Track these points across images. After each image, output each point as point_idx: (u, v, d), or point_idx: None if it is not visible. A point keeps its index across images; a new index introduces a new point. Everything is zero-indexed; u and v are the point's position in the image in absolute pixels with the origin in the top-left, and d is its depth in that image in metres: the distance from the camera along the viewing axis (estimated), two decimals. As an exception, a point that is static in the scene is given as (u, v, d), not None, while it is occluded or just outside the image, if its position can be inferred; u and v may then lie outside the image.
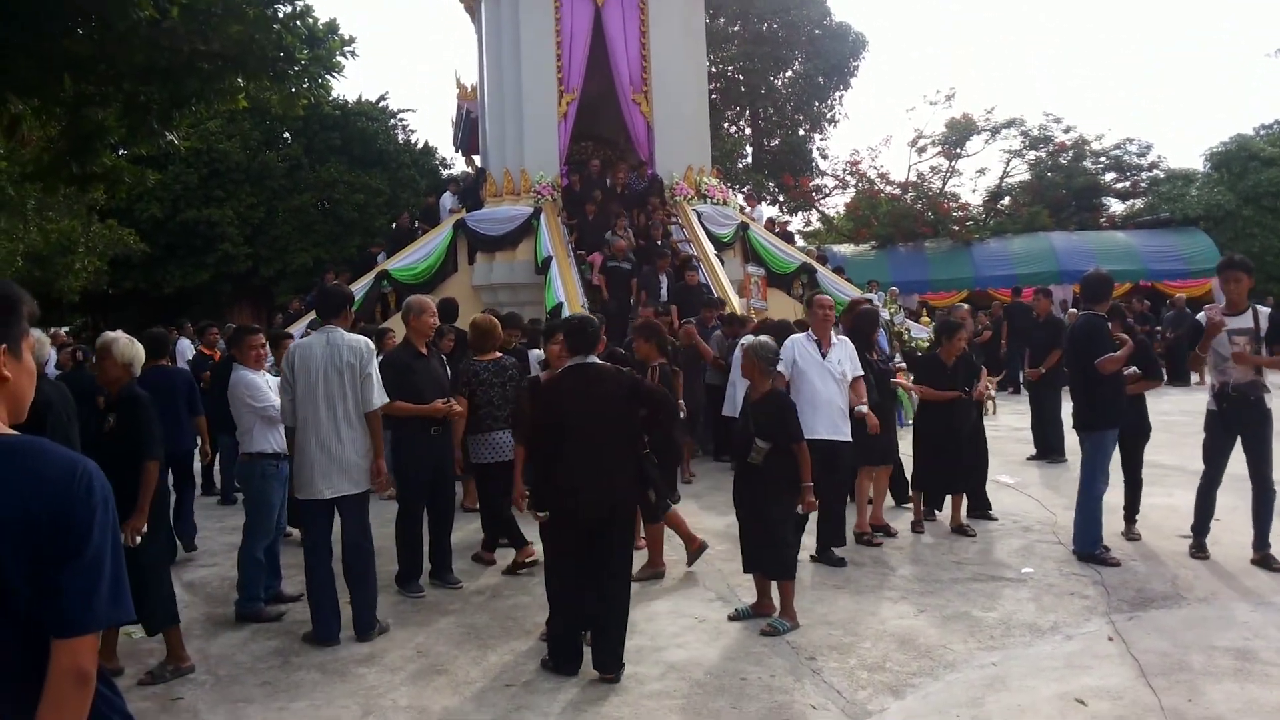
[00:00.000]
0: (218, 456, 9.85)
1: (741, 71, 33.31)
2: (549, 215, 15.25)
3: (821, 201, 34.33)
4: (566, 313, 11.91)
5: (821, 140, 35.37)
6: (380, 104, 31.12)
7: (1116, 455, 6.88)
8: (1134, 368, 6.98)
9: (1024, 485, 9.22)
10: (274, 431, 6.01)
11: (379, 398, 5.52)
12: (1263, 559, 6.27)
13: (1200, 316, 6.63)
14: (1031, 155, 31.52)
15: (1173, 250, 25.38)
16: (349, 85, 48.34)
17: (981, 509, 7.88)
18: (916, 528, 7.60)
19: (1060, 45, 77.21)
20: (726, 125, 34.06)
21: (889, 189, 29.91)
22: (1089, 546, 6.54)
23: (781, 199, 33.39)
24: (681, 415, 8.95)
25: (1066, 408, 7.67)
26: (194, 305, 26.25)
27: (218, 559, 7.56)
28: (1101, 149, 30.99)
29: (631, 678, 4.75)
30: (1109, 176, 31.49)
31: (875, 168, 31.39)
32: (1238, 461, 6.45)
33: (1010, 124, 31.08)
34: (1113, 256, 24.07)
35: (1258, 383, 6.31)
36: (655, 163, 16.55)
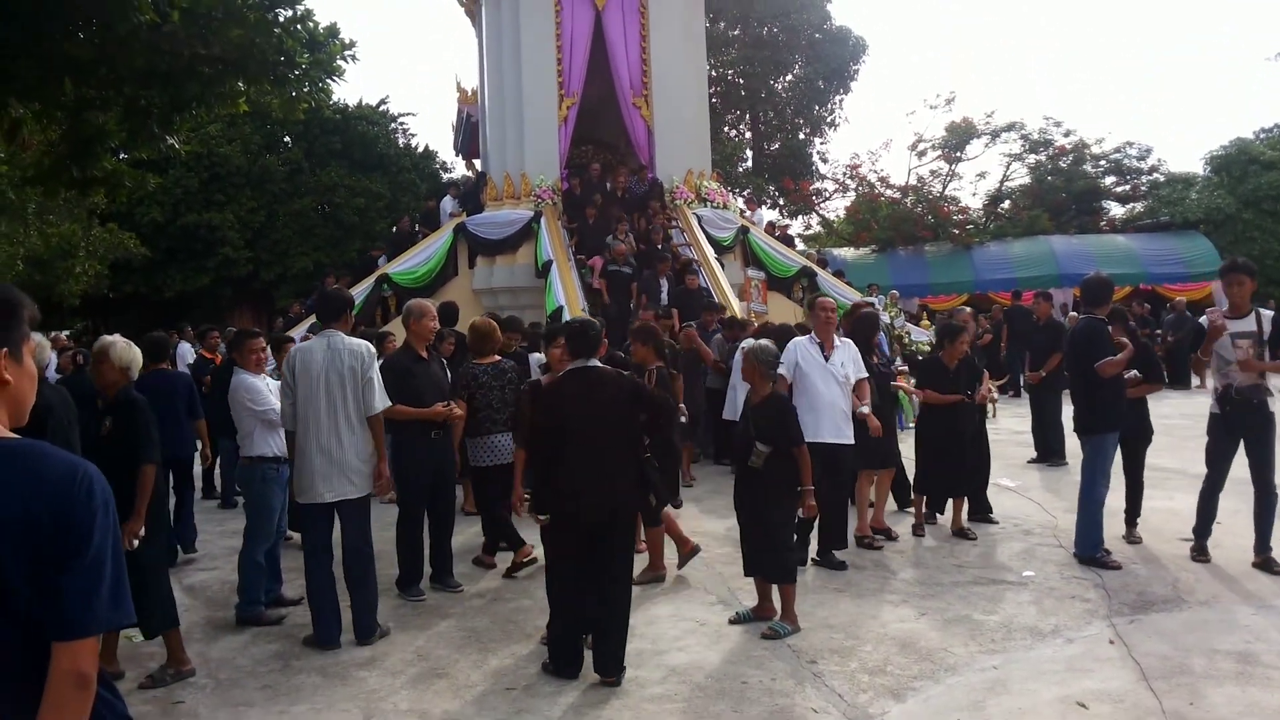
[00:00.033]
0: (218, 460, 9.86)
1: (742, 75, 33.36)
2: (549, 219, 15.26)
3: (822, 205, 34.37)
4: (567, 316, 11.91)
5: (822, 144, 35.48)
6: (381, 108, 31.17)
7: (1118, 458, 6.87)
8: (1134, 371, 6.98)
9: (1025, 488, 9.21)
10: (274, 435, 6.01)
11: (381, 402, 5.52)
12: (1264, 562, 6.26)
13: (1202, 320, 6.62)
14: (1031, 159, 31.55)
15: (1173, 254, 25.39)
16: (349, 89, 48.49)
17: (982, 512, 7.87)
18: (918, 531, 7.59)
19: (1060, 49, 77.33)
20: (727, 129, 34.10)
21: (889, 193, 29.92)
22: (1090, 550, 6.53)
23: (782, 203, 33.42)
24: (683, 420, 8.95)
25: (1067, 411, 7.67)
26: (194, 309, 26.27)
27: (218, 563, 7.55)
28: (1101, 152, 31.03)
29: (632, 681, 4.75)
30: (1109, 180, 31.52)
31: (875, 171, 31.41)
32: (1239, 464, 6.45)
33: (1010, 128, 31.11)
34: (1113, 260, 24.07)
35: (1260, 386, 6.30)
36: (655, 166, 16.56)
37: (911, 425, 11.40)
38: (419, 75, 79.66)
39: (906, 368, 10.68)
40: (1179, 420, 12.32)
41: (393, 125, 31.51)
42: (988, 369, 8.60)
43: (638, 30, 16.58)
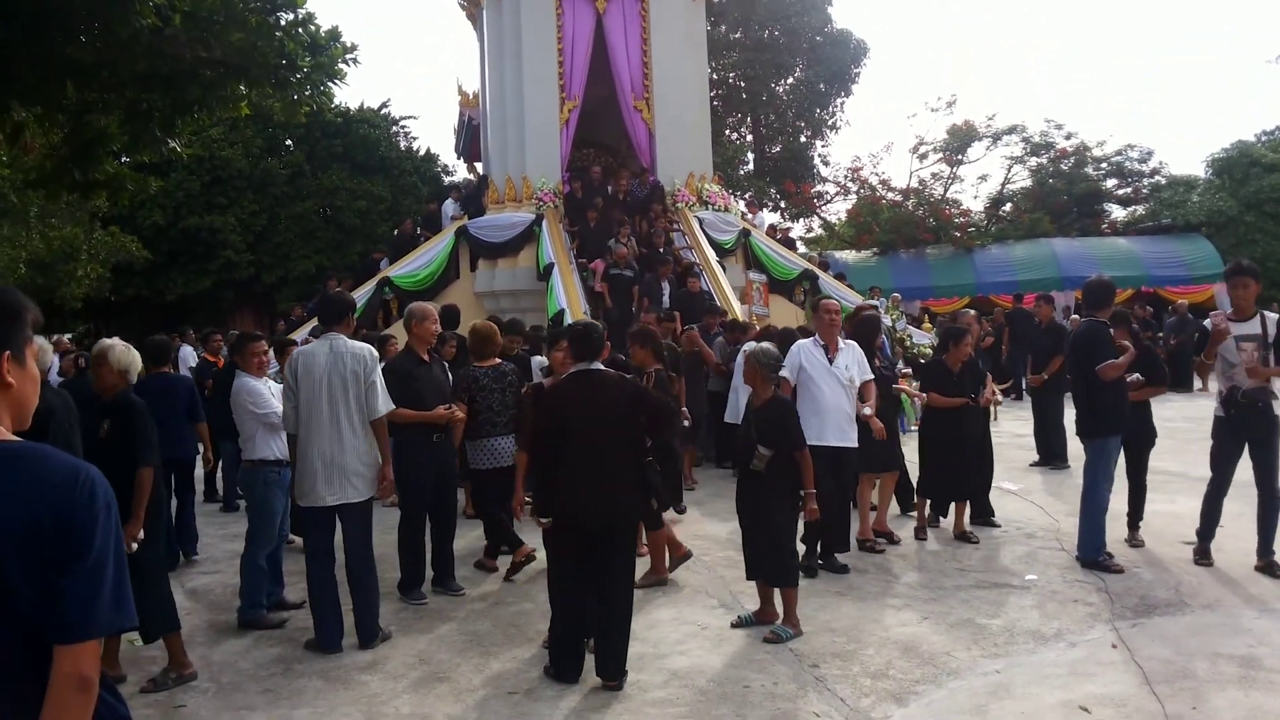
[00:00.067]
0: (220, 463, 9.87)
1: (743, 78, 33.39)
2: (551, 222, 15.27)
3: (823, 208, 34.39)
4: (568, 319, 11.91)
5: (823, 147, 35.54)
6: (382, 111, 31.20)
7: (1121, 461, 6.86)
8: (1136, 374, 6.97)
9: (1027, 492, 9.20)
10: (276, 438, 6.01)
11: (384, 405, 5.52)
12: (1267, 566, 6.25)
13: (1206, 323, 6.60)
14: (1033, 161, 31.56)
15: (1175, 256, 25.38)
16: (351, 92, 48.51)
17: (985, 516, 7.86)
18: (920, 534, 7.58)
19: (1061, 52, 77.36)
20: (728, 132, 34.14)
21: (890, 195, 29.94)
22: (1092, 553, 6.52)
23: (783, 205, 33.44)
24: (685, 423, 8.94)
25: (1069, 414, 7.66)
26: (196, 312, 26.30)
27: (220, 566, 7.55)
28: (1103, 155, 31.03)
29: (634, 685, 4.74)
30: (1111, 183, 31.52)
31: (877, 174, 31.43)
32: (1243, 467, 6.43)
33: (1012, 130, 31.13)
34: (1115, 263, 24.06)
35: (1266, 389, 6.26)
36: (657, 169, 16.57)
37: (914, 428, 11.40)
38: (420, 79, 79.83)
39: (910, 370, 10.68)
40: (1181, 423, 12.31)
41: (394, 128, 31.55)
42: (990, 372, 8.58)
43: (639, 33, 16.60)
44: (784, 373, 6.60)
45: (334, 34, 7.38)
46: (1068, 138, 31.01)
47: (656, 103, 16.61)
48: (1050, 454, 10.55)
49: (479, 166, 20.30)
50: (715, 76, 30.84)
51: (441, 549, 6.54)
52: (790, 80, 33.87)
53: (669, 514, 6.69)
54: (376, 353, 5.69)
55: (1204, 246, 25.47)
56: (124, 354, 5.25)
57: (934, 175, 32.12)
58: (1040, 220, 28.34)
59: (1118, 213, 31.36)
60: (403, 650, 5.39)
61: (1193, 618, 5.48)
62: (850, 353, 6.84)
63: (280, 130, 27.84)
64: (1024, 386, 13.73)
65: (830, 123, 34.61)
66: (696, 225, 15.78)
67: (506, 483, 6.81)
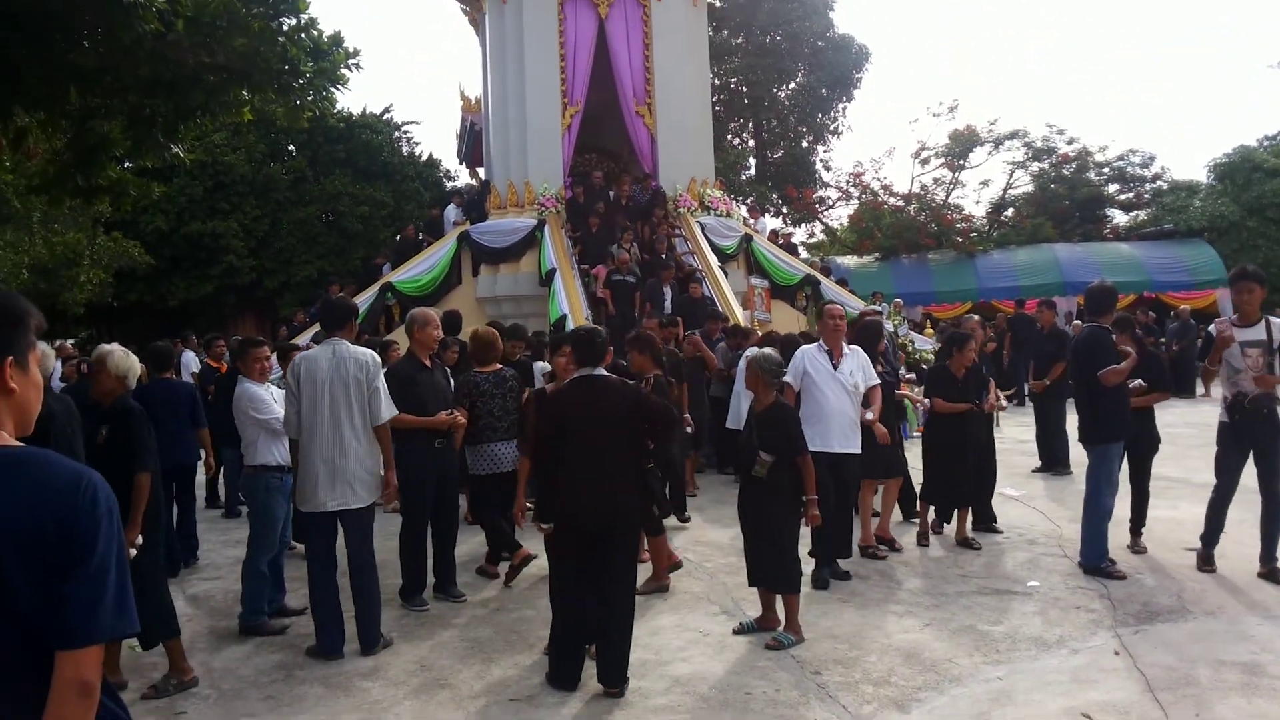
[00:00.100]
0: (222, 469, 9.88)
1: (745, 83, 33.41)
2: (553, 227, 15.28)
3: (825, 213, 34.41)
4: (570, 325, 11.91)
5: (825, 152, 35.52)
6: (385, 116, 31.22)
7: (1124, 467, 6.84)
8: (1138, 380, 6.95)
9: (1029, 498, 9.19)
10: (278, 444, 6.02)
11: (388, 411, 5.52)
12: (1270, 572, 6.23)
13: (1211, 328, 6.58)
14: (1035, 167, 31.59)
15: (1177, 262, 25.35)
16: (353, 98, 48.51)
17: (987, 522, 7.84)
18: (922, 540, 7.57)
19: (1063, 57, 77.39)
20: (730, 137, 34.16)
21: (892, 201, 29.95)
22: (1095, 560, 6.50)
23: (785, 211, 33.46)
24: (688, 430, 8.93)
25: (1072, 420, 7.65)
26: (198, 317, 26.32)
27: (221, 572, 7.55)
28: (1105, 160, 31.03)
29: (636, 692, 4.73)
30: (1112, 188, 31.53)
31: (878, 179, 31.46)
32: (1246, 473, 6.42)
33: (1013, 136, 31.15)
34: (1117, 268, 24.06)
35: (1271, 395, 6.23)
36: (659, 174, 16.59)
37: (916, 434, 11.40)
38: (423, 84, 79.92)
39: (913, 375, 10.67)
40: (1183, 429, 12.31)
41: (396, 134, 31.57)
42: (993, 377, 8.57)
43: (640, 38, 16.63)
44: (787, 378, 6.59)
45: (336, 39, 7.38)
46: (1070, 143, 31.06)
47: (658, 108, 16.63)
48: (1052, 460, 10.54)
49: (481, 172, 20.32)
50: (717, 81, 30.87)
51: (443, 555, 6.54)
52: (792, 85, 33.90)
53: (669, 520, 6.69)
54: (379, 358, 5.69)
55: (1206, 252, 25.45)
56: (122, 360, 5.25)
57: (936, 180, 32.18)
58: (1042, 225, 28.33)
59: (1120, 218, 31.39)
60: (404, 657, 5.39)
61: (1195, 624, 5.47)
62: (855, 358, 6.81)
63: (283, 135, 27.87)
64: (1026, 392, 13.71)
65: (832, 128, 34.64)
66: (698, 230, 15.79)
67: (505, 488, 6.83)
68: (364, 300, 14.67)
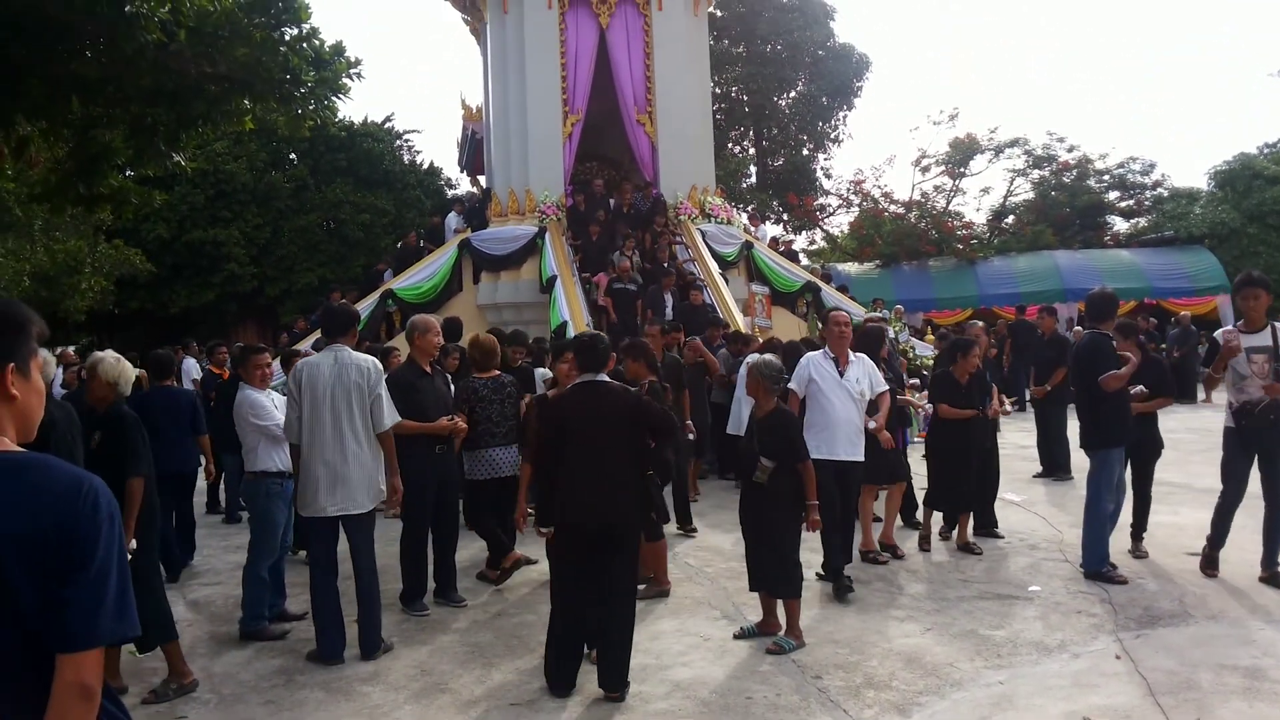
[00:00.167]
0: (223, 475, 9.89)
1: (745, 92, 33.49)
2: (553, 235, 15.32)
3: (825, 221, 34.42)
4: (571, 332, 11.93)
5: (825, 160, 35.55)
6: (386, 125, 31.33)
7: (1127, 472, 6.84)
8: (1140, 386, 6.95)
9: (1030, 503, 9.19)
10: (279, 450, 6.03)
11: (390, 418, 5.54)
12: (1271, 576, 6.23)
13: (1218, 334, 6.57)
14: (1035, 174, 31.58)
15: (1177, 268, 25.36)
16: (355, 107, 48.67)
17: (988, 527, 7.84)
18: (924, 545, 7.56)
19: (1063, 65, 77.53)
20: (730, 145, 34.22)
21: (893, 208, 29.98)
22: (1096, 564, 6.50)
23: (786, 218, 33.49)
24: (690, 437, 8.94)
25: (1073, 425, 7.65)
26: (199, 325, 26.35)
27: (222, 578, 7.55)
28: (1105, 168, 31.04)
29: (636, 696, 4.73)
30: (1113, 195, 31.53)
31: (879, 187, 31.48)
32: (1250, 478, 6.41)
33: (1014, 143, 31.16)
34: (1117, 275, 24.05)
35: (1277, 402, 6.20)
36: (659, 182, 16.64)
37: (917, 439, 11.39)
38: (424, 93, 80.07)
39: (916, 381, 10.67)
40: (1185, 434, 12.30)
41: (398, 142, 31.67)
42: (995, 383, 8.56)
43: (641, 47, 16.69)
44: (792, 385, 6.59)
45: (338, 49, 7.42)
46: (1070, 150, 31.07)
47: (659, 116, 16.68)
48: (1053, 465, 10.54)
49: (482, 180, 20.38)
50: (718, 90, 30.94)
51: (443, 560, 6.54)
52: (793, 94, 33.95)
53: (671, 526, 6.69)
54: (381, 365, 5.70)
55: (1207, 258, 25.46)
56: (113, 366, 5.28)
57: (936, 188, 32.17)
58: (1043, 232, 28.34)
59: (1120, 225, 31.39)
60: (404, 661, 5.39)
61: (1197, 629, 5.46)
62: (861, 365, 6.75)
63: (284, 144, 27.97)
64: (1027, 398, 13.72)
65: (833, 136, 34.66)
66: (699, 238, 15.83)
67: (503, 493, 6.84)
68: (365, 307, 14.72)
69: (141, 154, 7.87)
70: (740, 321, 13.63)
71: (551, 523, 4.91)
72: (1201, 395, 17.47)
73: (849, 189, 32.67)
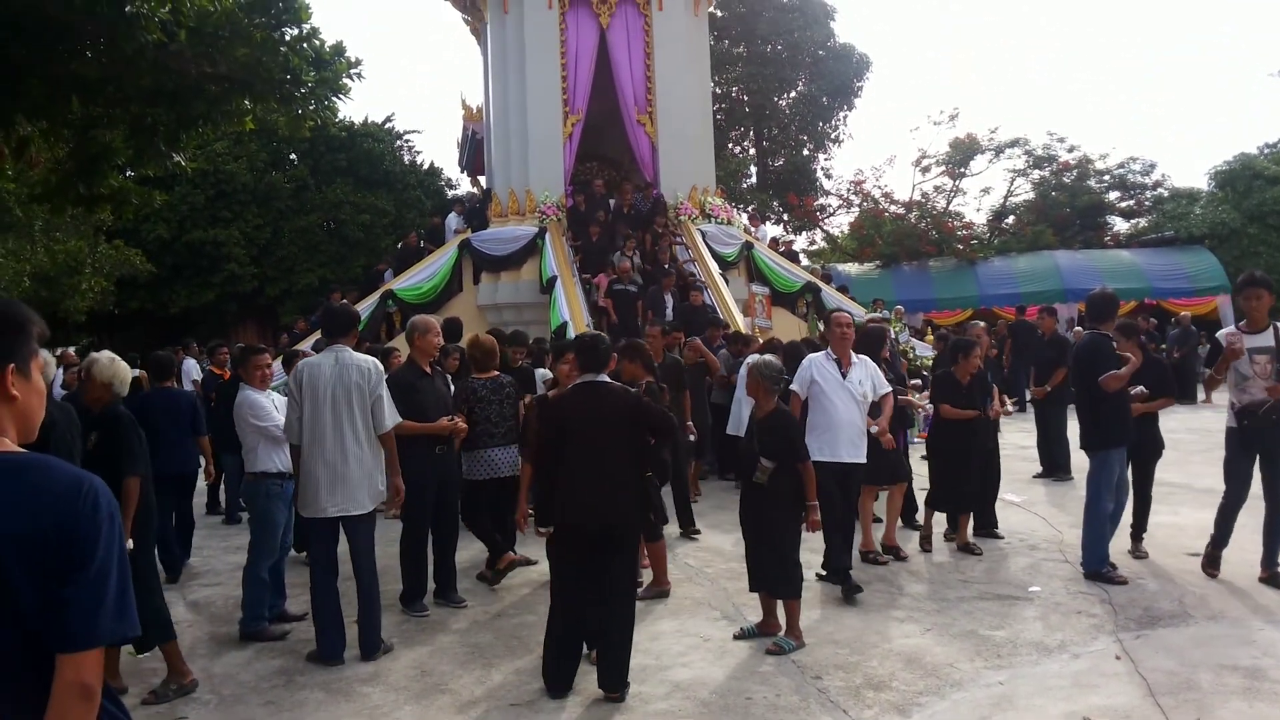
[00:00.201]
0: (223, 476, 9.89)
1: (746, 92, 33.50)
2: (554, 235, 15.32)
3: (826, 221, 34.43)
4: (571, 332, 11.93)
5: (826, 160, 35.57)
6: (386, 125, 31.33)
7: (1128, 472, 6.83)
8: (1140, 386, 6.94)
9: (1030, 503, 9.19)
10: (279, 451, 6.03)
11: (391, 419, 5.54)
12: (1271, 577, 6.22)
13: (1220, 334, 6.56)
14: (1035, 174, 31.59)
15: (1178, 269, 25.37)
16: (355, 107, 48.65)
17: (988, 527, 7.84)
18: (925, 546, 7.56)
19: (1064, 66, 77.53)
20: (731, 145, 34.22)
21: (893, 208, 29.98)
22: (1096, 565, 6.50)
23: (786, 218, 33.49)
24: (691, 438, 8.93)
25: (1073, 426, 7.65)
26: (200, 325, 26.36)
27: (222, 578, 7.55)
28: (1105, 168, 31.05)
29: (636, 697, 4.73)
30: (1113, 195, 31.54)
31: (879, 187, 31.51)
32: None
33: (1014, 143, 31.16)
34: (1118, 275, 24.06)
35: (1279, 403, 6.21)
36: (660, 183, 16.64)
37: (918, 440, 11.39)
38: (424, 93, 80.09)
39: (918, 381, 10.66)
40: (1185, 435, 12.30)
41: (398, 142, 31.68)
42: (996, 384, 8.56)
43: (642, 47, 16.69)
44: (794, 386, 6.58)
45: (338, 49, 7.41)
46: (1070, 150, 31.09)
47: (659, 116, 16.68)
48: (1053, 466, 10.55)
49: (482, 180, 20.38)
50: (718, 90, 30.94)
51: (443, 561, 6.55)
52: (793, 94, 33.96)
53: (671, 527, 6.68)
54: (382, 366, 5.70)
55: (1207, 259, 25.47)
56: (107, 367, 5.29)
57: (936, 188, 32.18)
58: (1043, 233, 28.35)
59: (1120, 225, 31.40)
60: (404, 662, 5.39)
61: (1197, 629, 5.46)
62: (864, 367, 6.72)
63: (284, 144, 27.97)
64: (1027, 398, 13.74)
65: (833, 136, 34.68)
66: (699, 238, 15.83)
67: (502, 494, 6.85)
68: (365, 308, 14.71)
69: (142, 154, 7.87)
70: (740, 322, 13.62)
71: (551, 523, 4.92)
72: (1202, 396, 17.48)
73: (849, 189, 32.72)
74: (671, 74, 16.76)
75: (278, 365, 10.12)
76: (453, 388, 6.98)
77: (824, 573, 6.62)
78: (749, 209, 30.86)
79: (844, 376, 6.58)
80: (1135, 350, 6.87)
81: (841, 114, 34.28)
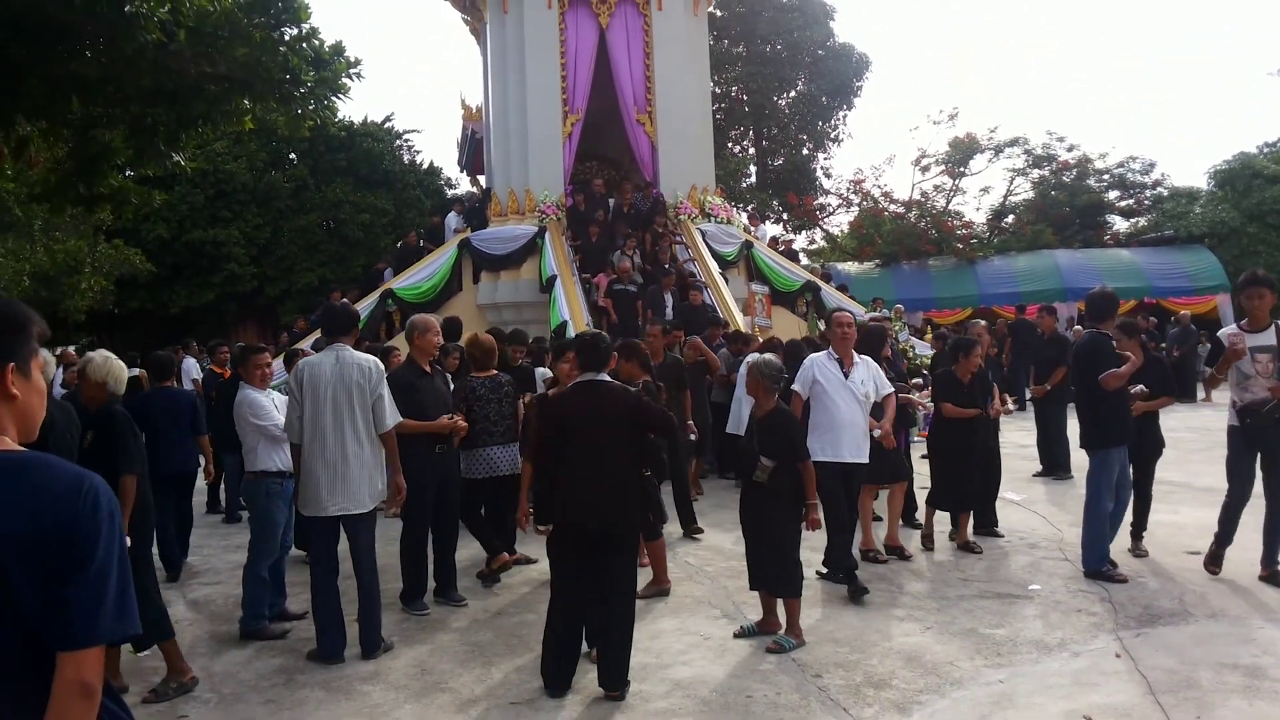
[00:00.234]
0: (223, 475, 9.89)
1: (745, 91, 33.51)
2: (553, 234, 15.32)
3: (825, 220, 34.45)
4: (571, 331, 11.93)
5: (825, 159, 35.58)
6: (386, 125, 31.33)
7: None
8: (1140, 385, 6.94)
9: (1030, 502, 9.19)
10: (279, 450, 6.03)
11: (392, 418, 5.54)
12: (1271, 575, 6.22)
13: (1222, 333, 6.56)
14: (1035, 174, 31.61)
15: (1177, 268, 25.38)
16: (355, 107, 48.70)
17: (988, 526, 7.84)
18: (927, 545, 7.55)
19: (1063, 65, 77.53)
20: (730, 145, 34.23)
21: (893, 207, 30.00)
22: (1096, 563, 6.50)
23: (785, 218, 33.50)
24: (692, 437, 8.93)
25: (1072, 424, 7.66)
26: (199, 325, 26.36)
27: (222, 577, 7.56)
28: (1105, 167, 31.08)
29: (637, 695, 4.73)
30: (1113, 194, 31.55)
31: (879, 186, 31.55)
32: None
33: (1014, 143, 31.19)
34: (1117, 274, 24.08)
35: None
36: (659, 182, 16.63)
37: (918, 439, 11.39)
38: (424, 93, 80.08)
39: (919, 380, 10.66)
40: (1185, 433, 12.31)
41: (397, 142, 31.67)
42: (996, 383, 8.55)
43: (641, 47, 16.69)
44: (796, 386, 6.57)
45: (338, 49, 7.42)
46: (1070, 150, 31.11)
47: (659, 116, 16.68)
48: (1053, 464, 10.55)
49: (482, 179, 20.38)
50: (718, 90, 30.96)
51: (443, 560, 6.55)
52: (792, 93, 33.98)
53: (672, 526, 6.68)
54: (383, 365, 5.70)
55: (1206, 258, 25.48)
56: (100, 366, 5.31)
57: (936, 187, 32.21)
58: (1042, 232, 28.36)
59: (1120, 224, 31.42)
60: (405, 660, 5.39)
61: (1197, 627, 5.47)
62: (866, 367, 6.71)
63: (284, 144, 27.97)
64: (1027, 397, 13.76)
65: (832, 135, 34.69)
66: (699, 237, 15.82)
67: (501, 492, 6.85)
68: (365, 307, 14.71)
69: (141, 154, 7.88)
70: (740, 321, 13.62)
71: (551, 521, 4.92)
72: (1201, 394, 17.51)
73: (849, 188, 32.76)
74: (671, 73, 16.76)
75: (278, 364, 10.14)
76: (452, 386, 6.98)
77: (824, 571, 6.63)
78: (749, 208, 30.88)
79: (846, 376, 6.57)
80: (1137, 349, 6.86)
81: (841, 113, 34.32)
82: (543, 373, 8.66)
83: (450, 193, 29.95)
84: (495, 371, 7.06)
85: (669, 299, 13.65)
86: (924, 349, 15.25)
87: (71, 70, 6.70)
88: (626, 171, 18.39)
